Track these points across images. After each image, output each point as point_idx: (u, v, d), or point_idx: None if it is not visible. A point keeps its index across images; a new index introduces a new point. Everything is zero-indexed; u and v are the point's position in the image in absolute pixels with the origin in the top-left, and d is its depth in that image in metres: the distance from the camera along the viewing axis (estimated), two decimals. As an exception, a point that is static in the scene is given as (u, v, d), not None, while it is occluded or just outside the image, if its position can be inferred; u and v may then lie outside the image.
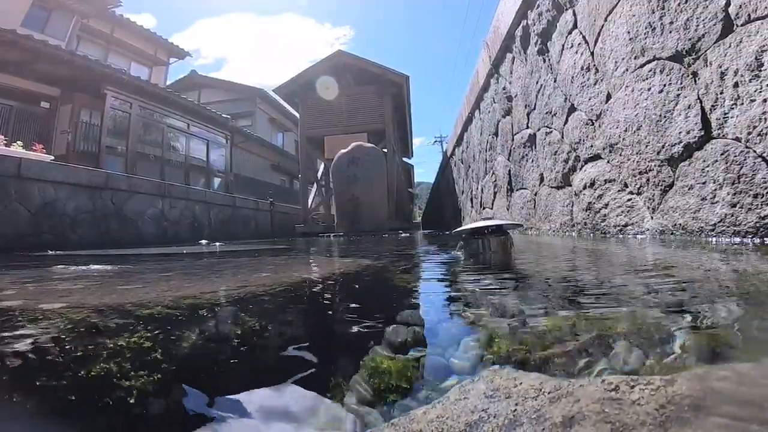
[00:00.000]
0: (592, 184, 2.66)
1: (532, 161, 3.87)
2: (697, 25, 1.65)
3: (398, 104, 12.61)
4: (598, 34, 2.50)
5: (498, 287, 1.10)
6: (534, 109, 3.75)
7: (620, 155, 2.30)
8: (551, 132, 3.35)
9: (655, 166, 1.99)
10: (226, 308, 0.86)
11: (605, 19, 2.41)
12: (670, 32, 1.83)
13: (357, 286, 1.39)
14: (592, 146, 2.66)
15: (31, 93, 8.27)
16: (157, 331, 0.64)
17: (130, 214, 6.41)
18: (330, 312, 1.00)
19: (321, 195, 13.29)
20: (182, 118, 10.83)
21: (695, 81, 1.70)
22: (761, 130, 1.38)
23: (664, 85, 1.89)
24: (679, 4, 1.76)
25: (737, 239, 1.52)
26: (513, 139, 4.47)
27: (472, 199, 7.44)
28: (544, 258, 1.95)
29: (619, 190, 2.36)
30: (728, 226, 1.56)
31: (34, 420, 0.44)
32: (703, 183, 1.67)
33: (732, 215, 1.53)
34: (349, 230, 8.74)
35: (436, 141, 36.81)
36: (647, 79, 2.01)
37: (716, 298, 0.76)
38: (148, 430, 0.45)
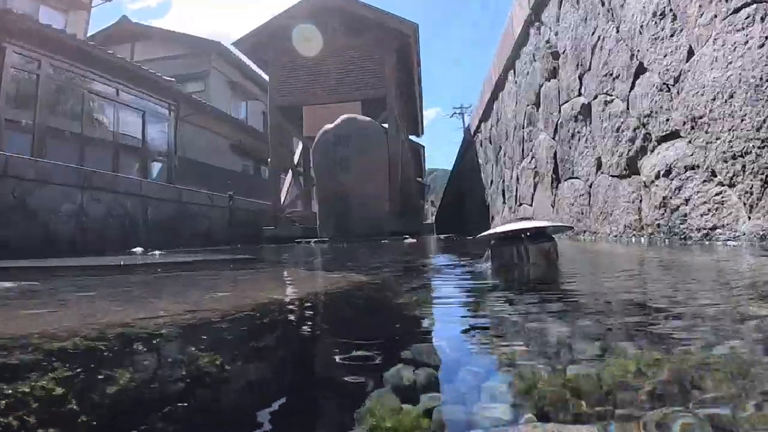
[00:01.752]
0: (667, 173, 2.66)
1: (586, 140, 3.87)
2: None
3: (404, 64, 12.62)
4: (677, -33, 2.50)
5: (538, 313, 1.10)
6: (589, 69, 3.75)
7: (706, 132, 2.30)
8: (612, 100, 3.35)
9: (754, 147, 1.99)
10: (170, 341, 0.86)
11: (686, -52, 2.40)
12: (775, -35, 1.82)
13: (346, 312, 1.39)
14: (667, 120, 2.66)
15: None
16: (74, 371, 0.64)
17: (38, 210, 6.41)
18: (311, 347, 1.00)
19: (299, 186, 13.31)
20: (110, 82, 10.83)
21: (809, 32, 1.70)
22: None
23: (767, 38, 1.88)
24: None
25: None
26: (560, 111, 4.47)
27: (503, 192, 7.45)
28: (603, 273, 1.95)
29: (704, 181, 2.35)
30: None
31: None
32: (820, 171, 1.67)
33: None
34: (336, 234, 8.75)
35: (455, 113, 36.95)
36: (743, 28, 2.01)
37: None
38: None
